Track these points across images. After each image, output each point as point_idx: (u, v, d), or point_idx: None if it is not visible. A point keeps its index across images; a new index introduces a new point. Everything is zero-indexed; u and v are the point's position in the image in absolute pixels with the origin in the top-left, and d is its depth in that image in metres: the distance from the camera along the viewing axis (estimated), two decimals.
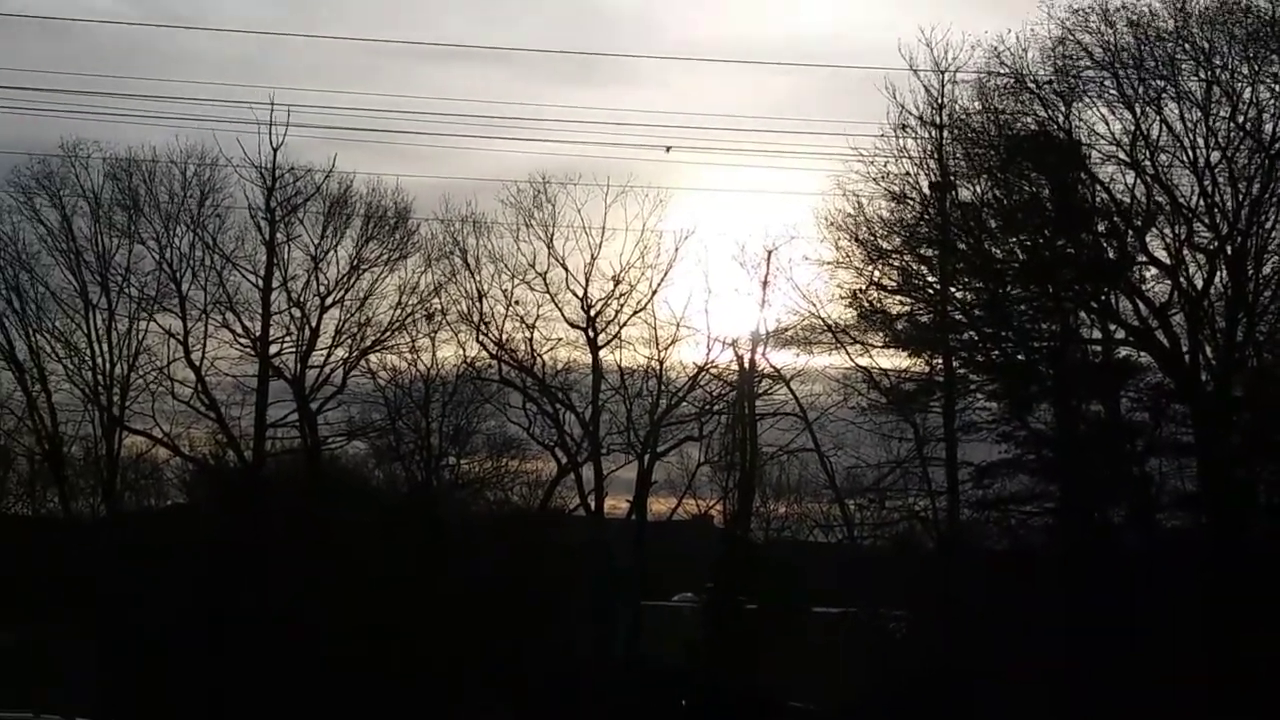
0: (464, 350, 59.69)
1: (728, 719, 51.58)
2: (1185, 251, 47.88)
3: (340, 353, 59.06)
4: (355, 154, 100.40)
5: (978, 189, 51.54)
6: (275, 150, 57.09)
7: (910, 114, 51.85)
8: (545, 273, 58.74)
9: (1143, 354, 48.88)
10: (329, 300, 58.52)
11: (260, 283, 57.01)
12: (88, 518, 57.90)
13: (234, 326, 56.73)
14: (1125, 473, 48.81)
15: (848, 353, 54.23)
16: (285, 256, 57.85)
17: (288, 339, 58.50)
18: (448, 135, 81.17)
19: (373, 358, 59.39)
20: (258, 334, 57.18)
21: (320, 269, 58.38)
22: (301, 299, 57.72)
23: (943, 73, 51.27)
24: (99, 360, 56.35)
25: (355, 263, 58.75)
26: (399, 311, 59.07)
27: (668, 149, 61.19)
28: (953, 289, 52.18)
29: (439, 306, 59.29)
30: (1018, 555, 50.27)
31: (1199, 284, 47.76)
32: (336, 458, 61.78)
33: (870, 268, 53.12)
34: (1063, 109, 48.85)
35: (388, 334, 59.21)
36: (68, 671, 50.42)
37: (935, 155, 51.81)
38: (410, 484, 60.24)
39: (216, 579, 52.90)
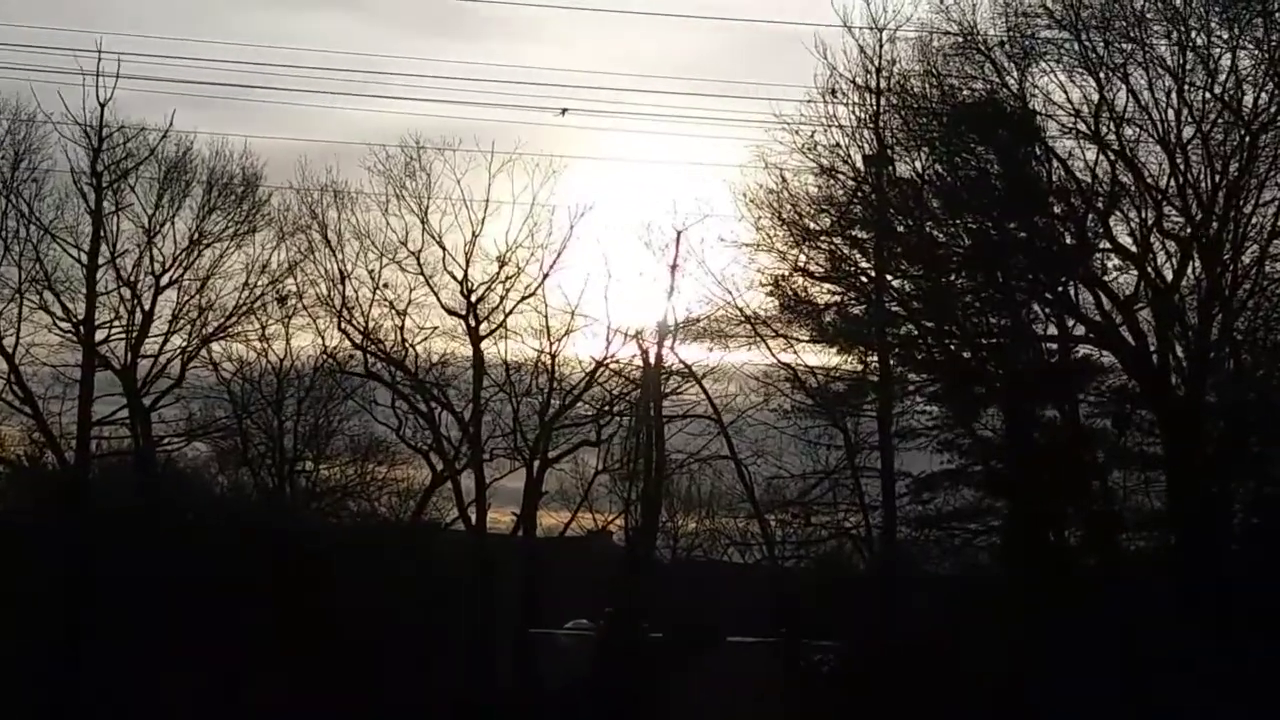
0: (323, 339, 60.22)
1: None
2: (1154, 238, 48.17)
3: (178, 340, 59.29)
4: (196, 112, 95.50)
5: (918, 163, 51.89)
6: (103, 106, 57.67)
7: (842, 77, 51.77)
8: (419, 251, 59.32)
9: (1104, 353, 49.36)
10: (165, 280, 58.67)
11: (84, 258, 58.08)
12: None
13: (53, 308, 58.33)
14: (1084, 487, 49.39)
15: (769, 347, 54.36)
16: (114, 229, 58.42)
17: (116, 324, 58.53)
18: (304, 91, 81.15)
19: (216, 346, 59.64)
20: (81, 317, 58.35)
21: (155, 244, 58.55)
22: (133, 278, 58.46)
23: (880, 30, 51.28)
24: None
25: (196, 236, 58.88)
26: (247, 294, 59.43)
27: (562, 111, 61.72)
28: (889, 277, 52.58)
29: (294, 288, 59.70)
30: (962, 580, 51.17)
31: (1169, 275, 48.12)
32: (173, 461, 61.84)
33: (795, 251, 53.26)
34: (1016, 74, 48.93)
35: (234, 319, 59.47)
36: None
37: (871, 124, 52.04)
38: (260, 492, 60.25)
39: (29, 593, 53.79)
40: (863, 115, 52.33)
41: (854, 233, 53.26)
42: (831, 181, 52.82)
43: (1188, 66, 47.02)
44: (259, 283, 59.64)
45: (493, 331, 59.76)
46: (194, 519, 59.23)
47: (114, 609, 55.46)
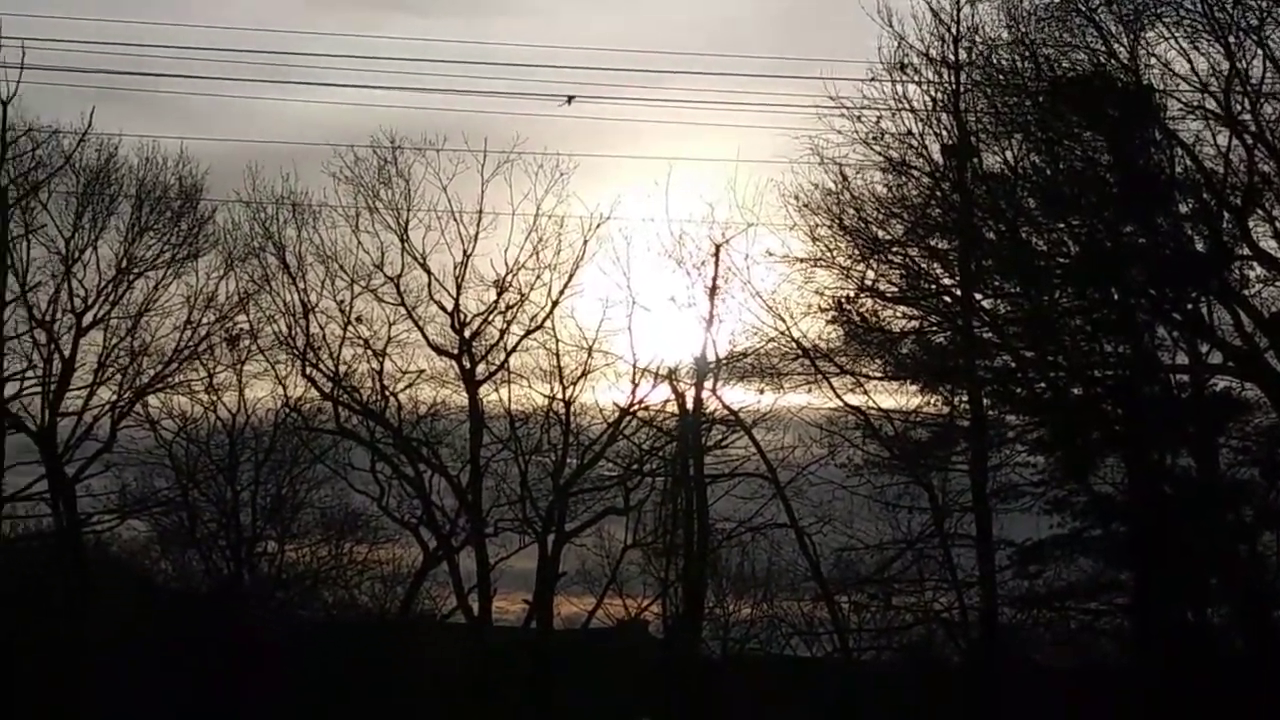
0: (285, 388, 60.47)
1: None
2: None
3: (106, 393, 59.29)
4: (120, 108, 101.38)
5: (1009, 154, 52.11)
6: (5, 104, 57.59)
7: (913, 48, 52.46)
8: (399, 277, 59.62)
9: (1248, 385, 49.71)
10: (88, 319, 58.70)
11: None
12: None
13: None
14: (1229, 554, 49.73)
15: (832, 387, 54.73)
16: (24, 256, 58.59)
17: (30, 374, 58.57)
18: (252, 81, 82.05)
19: (153, 400, 59.89)
20: None
21: (74, 274, 58.63)
22: (49, 317, 58.47)
23: None
24: None
25: (124, 264, 58.98)
26: (189, 334, 59.62)
27: (568, 99, 61.73)
28: (978, 296, 53.29)
29: (247, 326, 60.09)
30: (1080, 672, 51.69)
31: None
32: (105, 543, 61.58)
33: (861, 266, 53.65)
34: (1127, 40, 49.18)
35: (174, 366, 59.65)
36: None
37: (949, 107, 52.56)
38: (212, 579, 60.52)
39: None
40: (939, 96, 52.53)
41: (933, 242, 53.32)
42: (903, 179, 52.96)
43: None
44: (204, 320, 59.52)
45: (492, 374, 59.62)
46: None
47: None
